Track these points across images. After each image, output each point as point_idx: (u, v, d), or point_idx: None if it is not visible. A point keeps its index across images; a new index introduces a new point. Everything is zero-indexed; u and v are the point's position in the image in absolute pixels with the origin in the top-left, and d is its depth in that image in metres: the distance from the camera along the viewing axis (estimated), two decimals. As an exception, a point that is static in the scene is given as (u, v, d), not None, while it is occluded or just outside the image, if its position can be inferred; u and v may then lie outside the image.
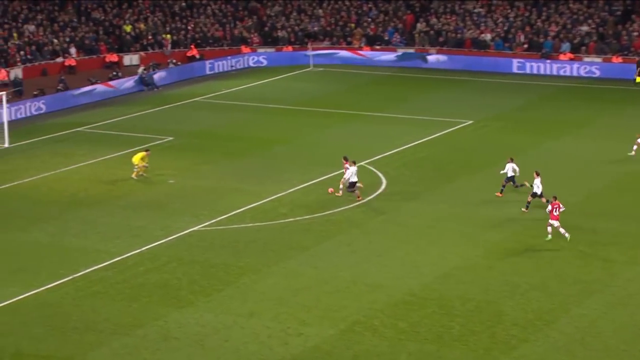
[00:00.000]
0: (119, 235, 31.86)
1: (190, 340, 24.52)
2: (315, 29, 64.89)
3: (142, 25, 62.49)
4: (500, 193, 35.41)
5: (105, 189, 36.81)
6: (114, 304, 26.52)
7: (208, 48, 62.27)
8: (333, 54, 62.87)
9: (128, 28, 61.83)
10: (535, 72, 59.34)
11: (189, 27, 63.29)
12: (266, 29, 64.87)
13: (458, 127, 46.94)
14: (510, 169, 35.33)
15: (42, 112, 49.28)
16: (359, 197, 35.05)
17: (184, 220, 33.15)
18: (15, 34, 57.11)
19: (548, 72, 59.07)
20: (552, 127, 46.46)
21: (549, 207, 31.16)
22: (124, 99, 52.89)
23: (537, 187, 33.72)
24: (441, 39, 63.12)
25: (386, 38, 63.92)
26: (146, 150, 38.08)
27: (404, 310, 26.30)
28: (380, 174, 38.55)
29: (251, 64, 61.82)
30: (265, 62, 62.15)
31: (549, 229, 31.08)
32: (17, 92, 51.41)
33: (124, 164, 40.02)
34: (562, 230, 30.92)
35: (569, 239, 30.84)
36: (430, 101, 53.07)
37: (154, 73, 56.24)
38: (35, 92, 51.28)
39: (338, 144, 43.53)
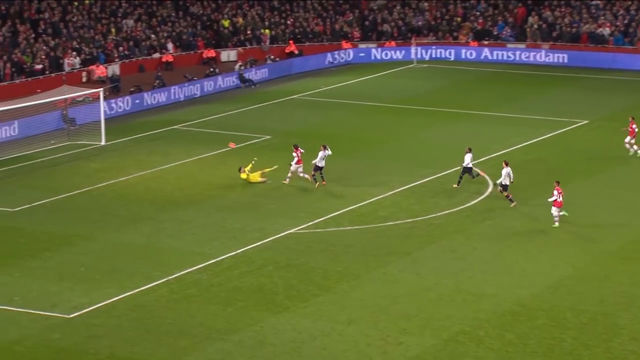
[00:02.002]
0: (214, 236, 32.38)
1: (286, 347, 24.73)
2: (420, 23, 64.60)
3: (240, 20, 63.36)
4: (457, 184, 36.28)
5: (201, 189, 37.46)
6: (208, 307, 26.96)
7: (307, 43, 62.70)
8: (438, 50, 62.47)
9: (226, 23, 62.79)
10: (657, 68, 57.74)
11: (289, 22, 63.84)
12: (367, 23, 64.91)
13: (572, 127, 46.03)
14: (468, 159, 35.90)
15: (138, 109, 50.47)
16: (317, 184, 36.39)
17: (281, 222, 33.46)
18: (113, 30, 58.68)
19: (672, 69, 57.39)
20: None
21: (555, 193, 32.05)
22: (220, 96, 53.72)
23: (505, 177, 34.21)
24: (555, 34, 62.00)
25: (495, 32, 63.16)
26: (252, 163, 37.58)
27: (512, 321, 25.94)
28: (486, 177, 38.10)
29: (352, 60, 61.95)
30: (366, 58, 62.19)
31: (556, 217, 32.14)
32: (114, 88, 52.81)
33: (220, 163, 40.67)
34: (556, 217, 32.02)
35: (556, 226, 32.16)
36: (542, 99, 52.19)
37: (251, 69, 56.97)
38: (132, 89, 52.55)
39: (441, 144, 43.25)
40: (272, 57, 60.57)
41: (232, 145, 38.61)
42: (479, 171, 37.11)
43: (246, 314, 26.54)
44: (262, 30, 62.65)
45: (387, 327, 25.62)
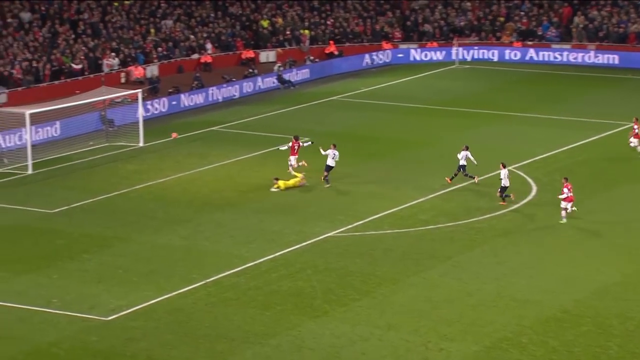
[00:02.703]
0: (252, 239, 32.49)
1: (325, 352, 24.74)
2: (462, 23, 64.34)
3: (279, 20, 63.53)
4: (450, 179, 37.14)
5: (239, 191, 37.60)
6: (246, 311, 27.05)
7: (347, 44, 62.70)
8: (481, 50, 62.16)
9: (265, 23, 62.99)
10: None
11: (328, 22, 63.88)
12: (409, 23, 64.77)
13: (618, 129, 45.55)
14: (464, 157, 36.54)
15: (175, 110, 50.79)
16: (327, 183, 37.19)
17: (319, 225, 33.49)
18: (152, 30, 59.14)
19: None
20: None
21: (565, 191, 32.67)
22: (259, 98, 53.89)
23: (505, 179, 34.61)
24: (601, 34, 61.39)
25: (540, 33, 62.71)
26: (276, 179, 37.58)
27: (556, 328, 25.73)
28: (530, 180, 37.85)
29: (391, 61, 61.83)
30: (405, 59, 62.02)
31: (564, 212, 33.08)
32: (153, 89, 53.19)
33: (259, 165, 40.80)
34: (564, 212, 32.50)
35: (564, 222, 32.87)
36: (588, 101, 51.75)
37: (290, 70, 57.09)
38: (170, 90, 52.91)
39: (484, 147, 42.98)
40: (311, 57, 60.64)
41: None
42: (460, 174, 37.24)
43: (284, 318, 26.60)
44: (302, 31, 62.75)
45: (427, 333, 25.53)
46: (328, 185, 37.48)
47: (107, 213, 35.39)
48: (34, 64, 52.15)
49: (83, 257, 31.11)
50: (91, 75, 53.16)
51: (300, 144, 38.35)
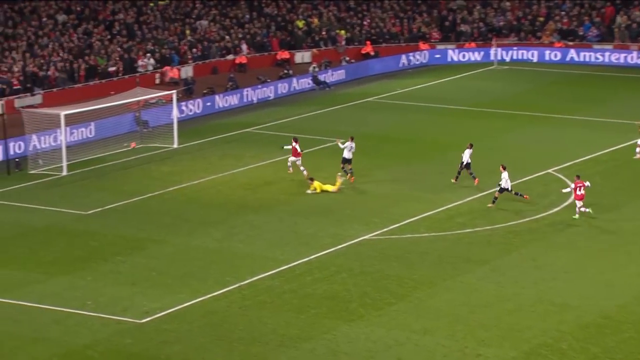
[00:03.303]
0: (286, 242, 32.59)
1: (360, 357, 24.75)
2: (501, 23, 64.05)
3: (315, 20, 63.64)
4: (455, 179, 37.38)
5: (273, 193, 37.73)
6: (280, 314, 27.14)
7: (384, 44, 62.67)
8: (520, 51, 61.84)
9: (300, 23, 63.14)
10: None
11: (365, 23, 63.89)
12: (447, 23, 64.60)
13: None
14: (467, 155, 36.85)
15: (210, 112, 51.07)
16: (348, 176, 37.78)
17: (355, 228, 33.51)
18: (187, 31, 59.52)
19: None
20: None
21: (572, 186, 32.93)
22: (294, 99, 54.03)
23: (506, 181, 34.59)
24: (644, 34, 60.89)
25: (581, 33, 62.26)
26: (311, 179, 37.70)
27: (597, 334, 25.55)
28: (570, 183, 37.57)
29: (427, 62, 61.69)
30: (442, 60, 61.88)
31: (577, 209, 33.47)
32: (187, 90, 53.52)
33: (293, 167, 40.85)
34: (583, 208, 33.30)
35: (591, 212, 33.39)
36: (631, 103, 51.32)
37: (325, 71, 57.15)
38: (205, 91, 53.22)
39: (522, 149, 42.82)
40: (347, 58, 60.69)
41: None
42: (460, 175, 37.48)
43: (319, 321, 26.64)
44: (337, 31, 62.81)
45: (464, 338, 25.46)
46: (350, 174, 37.61)
47: (141, 215, 35.66)
48: (69, 65, 52.68)
49: (117, 259, 31.38)
50: (126, 76, 53.61)
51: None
